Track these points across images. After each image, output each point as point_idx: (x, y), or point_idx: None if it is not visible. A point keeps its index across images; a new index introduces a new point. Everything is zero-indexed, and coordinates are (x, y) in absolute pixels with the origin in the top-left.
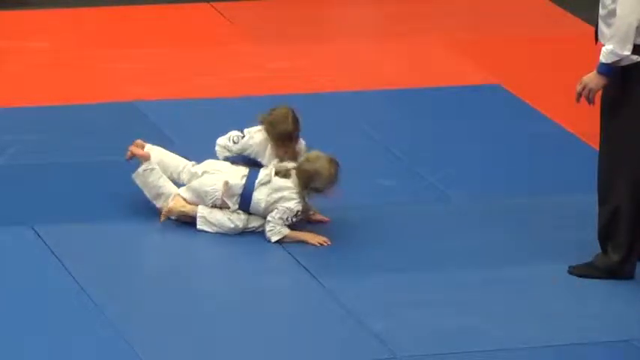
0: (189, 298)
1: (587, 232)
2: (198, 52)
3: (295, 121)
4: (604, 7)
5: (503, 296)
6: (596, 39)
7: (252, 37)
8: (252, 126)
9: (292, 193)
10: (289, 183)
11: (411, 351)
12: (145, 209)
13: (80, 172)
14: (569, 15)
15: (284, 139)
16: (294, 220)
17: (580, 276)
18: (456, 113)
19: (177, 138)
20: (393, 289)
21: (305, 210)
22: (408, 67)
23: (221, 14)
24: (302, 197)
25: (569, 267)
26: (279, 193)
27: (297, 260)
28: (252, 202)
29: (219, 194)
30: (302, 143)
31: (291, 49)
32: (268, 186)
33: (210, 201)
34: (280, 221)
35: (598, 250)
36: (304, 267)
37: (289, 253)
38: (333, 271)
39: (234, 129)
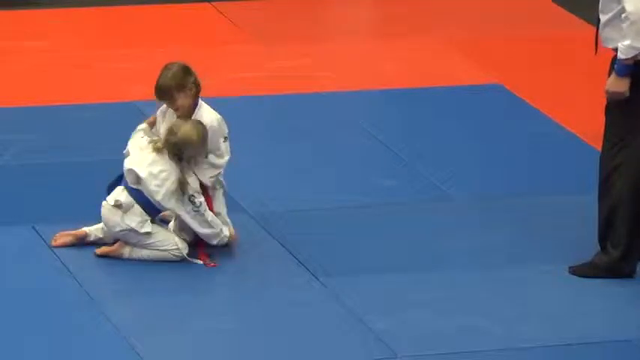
0: (189, 296)
1: (588, 232)
2: (198, 51)
3: (175, 74)
4: (608, 11)
5: (503, 296)
6: (596, 49)
7: (253, 37)
8: (247, 127)
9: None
10: (165, 159)
11: (411, 351)
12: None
13: (81, 172)
14: (570, 15)
15: (160, 96)
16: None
17: (580, 275)
18: (457, 113)
19: None
20: (393, 288)
21: (183, 182)
22: (408, 67)
23: (222, 14)
24: (180, 170)
25: (570, 267)
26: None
27: (298, 260)
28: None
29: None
30: (199, 105)
31: (292, 48)
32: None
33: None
34: (192, 209)
35: (598, 249)
36: (305, 266)
37: (290, 253)
38: (333, 270)
39: (236, 128)
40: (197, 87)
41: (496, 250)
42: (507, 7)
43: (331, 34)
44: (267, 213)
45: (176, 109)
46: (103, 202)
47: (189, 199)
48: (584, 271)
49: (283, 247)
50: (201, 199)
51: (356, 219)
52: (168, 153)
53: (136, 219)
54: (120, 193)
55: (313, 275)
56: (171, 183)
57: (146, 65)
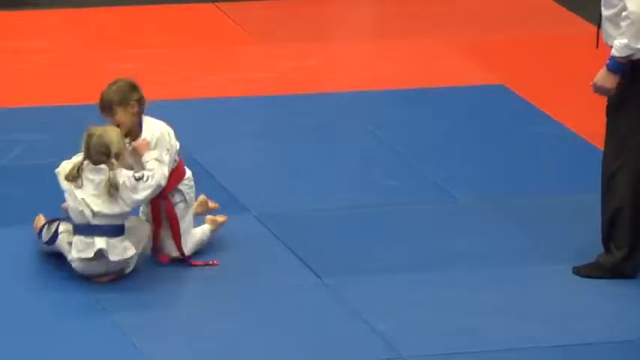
0: (191, 298)
1: (591, 232)
2: (202, 52)
3: (119, 89)
4: (610, 6)
5: (507, 296)
6: (597, 43)
7: (257, 37)
8: (250, 128)
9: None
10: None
11: (415, 351)
12: None
13: None
14: (571, 14)
15: (102, 109)
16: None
17: (584, 276)
18: (460, 113)
19: (182, 138)
20: (398, 288)
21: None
22: (411, 67)
23: (225, 14)
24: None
25: (573, 267)
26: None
27: (301, 260)
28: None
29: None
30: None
31: (296, 48)
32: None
33: None
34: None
35: (602, 250)
36: (309, 267)
37: (294, 253)
38: (337, 270)
39: (239, 129)
40: (140, 105)
41: (499, 250)
42: (509, 7)
43: (334, 34)
44: (270, 213)
45: (117, 125)
46: (73, 258)
47: (137, 180)
48: (588, 271)
49: (287, 247)
50: (143, 173)
51: (359, 219)
52: (92, 160)
53: (119, 252)
54: (87, 243)
55: (316, 275)
56: (103, 187)
57: (150, 65)
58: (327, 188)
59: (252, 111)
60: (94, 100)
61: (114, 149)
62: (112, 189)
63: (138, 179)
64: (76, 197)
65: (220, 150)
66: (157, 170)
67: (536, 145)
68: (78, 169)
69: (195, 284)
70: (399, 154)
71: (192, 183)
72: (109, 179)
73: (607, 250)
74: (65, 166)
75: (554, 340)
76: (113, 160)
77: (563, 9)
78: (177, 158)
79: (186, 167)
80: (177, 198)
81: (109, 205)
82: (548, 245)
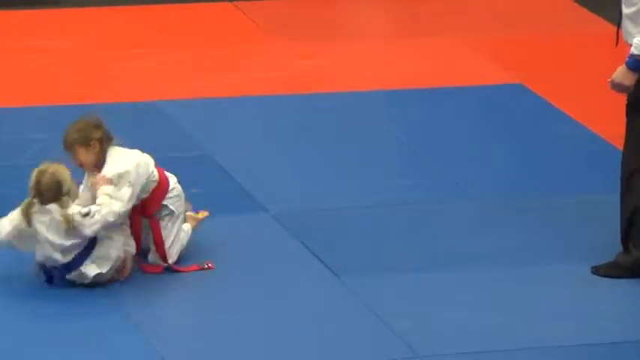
0: (208, 296)
1: (610, 232)
2: (219, 51)
3: (76, 129)
4: (631, 5)
5: (525, 296)
6: (617, 41)
7: (274, 36)
8: (267, 127)
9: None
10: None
11: (433, 350)
12: None
13: None
14: (591, 14)
15: (65, 148)
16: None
17: (603, 275)
18: (478, 113)
19: (199, 137)
20: (415, 287)
21: (67, 218)
22: (430, 67)
23: (243, 13)
24: (66, 206)
25: (592, 266)
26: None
27: (319, 259)
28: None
29: None
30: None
31: (313, 47)
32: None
33: None
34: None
35: (621, 249)
36: (326, 266)
37: (311, 252)
38: (355, 269)
39: (255, 127)
40: (102, 144)
41: (517, 249)
42: (528, 7)
43: (353, 32)
44: (287, 212)
45: (80, 165)
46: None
47: (83, 216)
48: (607, 270)
49: (304, 245)
50: (90, 208)
51: (376, 218)
52: (42, 198)
53: (95, 268)
54: (80, 275)
55: (334, 274)
56: (59, 225)
57: (168, 65)
58: (345, 187)
59: (267, 110)
60: (110, 100)
61: (65, 187)
62: (69, 224)
63: (84, 215)
64: (39, 241)
65: (237, 149)
66: (104, 206)
67: (555, 145)
68: (28, 211)
69: (212, 282)
70: (415, 153)
71: (178, 192)
72: (64, 217)
73: (626, 249)
74: (12, 217)
75: (573, 340)
76: (65, 197)
77: (582, 8)
78: (155, 178)
79: (168, 174)
80: (163, 212)
81: (67, 236)
82: (566, 245)
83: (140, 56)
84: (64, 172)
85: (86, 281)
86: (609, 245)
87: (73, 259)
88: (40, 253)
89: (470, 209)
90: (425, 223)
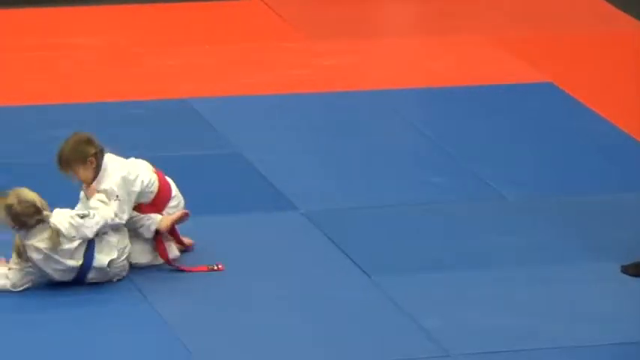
0: (238, 293)
1: None
2: (249, 48)
3: (71, 148)
4: None
5: (555, 295)
6: None
7: (303, 34)
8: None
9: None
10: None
11: (463, 349)
12: (198, 202)
13: None
14: (621, 13)
15: (60, 168)
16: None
17: (632, 275)
18: (508, 111)
19: (228, 135)
20: (445, 286)
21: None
22: (458, 65)
23: (272, 10)
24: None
25: (622, 265)
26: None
27: (349, 257)
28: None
29: None
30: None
31: (342, 45)
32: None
33: None
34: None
35: None
36: (357, 264)
37: (341, 250)
38: (385, 268)
39: (285, 126)
40: (97, 159)
41: (547, 248)
42: (558, 5)
43: (381, 30)
44: (318, 211)
45: (78, 180)
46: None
47: (82, 217)
48: (636, 270)
49: (334, 244)
50: (89, 211)
51: (406, 217)
52: (28, 225)
53: (105, 257)
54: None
55: (364, 273)
56: (48, 240)
57: (196, 62)
58: (374, 186)
59: (297, 107)
60: (140, 97)
61: (38, 202)
62: (57, 237)
63: (83, 217)
64: (47, 261)
65: (266, 146)
66: (101, 208)
67: (585, 143)
68: (20, 251)
69: (241, 279)
70: (446, 152)
71: (178, 200)
72: (52, 231)
73: None
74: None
75: (602, 339)
76: (46, 212)
77: (612, 7)
78: (153, 189)
79: (168, 179)
80: None
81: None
82: (596, 244)
83: (170, 53)
84: (25, 193)
85: (107, 276)
86: (639, 244)
87: (84, 260)
88: (55, 272)
89: (500, 208)
90: (455, 222)
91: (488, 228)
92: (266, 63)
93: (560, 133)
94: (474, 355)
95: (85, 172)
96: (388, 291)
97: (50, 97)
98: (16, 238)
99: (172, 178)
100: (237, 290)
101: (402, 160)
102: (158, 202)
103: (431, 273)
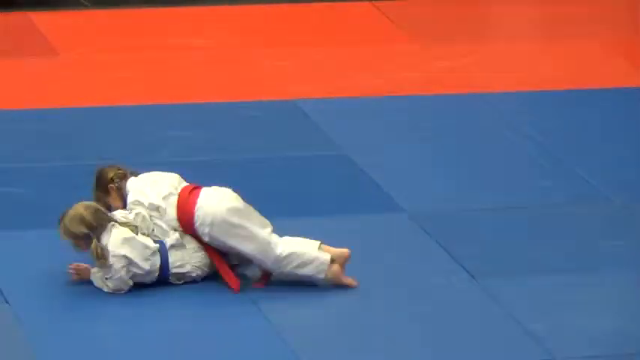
0: (340, 295)
1: None
2: (358, 50)
3: (100, 175)
4: None
5: None
6: None
7: (413, 37)
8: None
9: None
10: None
11: (569, 353)
12: (304, 204)
13: (237, 169)
14: None
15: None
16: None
17: None
18: (617, 114)
19: (336, 136)
20: (552, 290)
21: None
22: (569, 69)
23: (382, 13)
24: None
25: None
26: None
27: (455, 260)
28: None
29: None
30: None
31: (453, 48)
32: None
33: None
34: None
35: None
36: (463, 267)
37: (447, 253)
38: (492, 272)
39: (393, 128)
40: (115, 183)
41: None
42: None
43: (492, 33)
44: (424, 213)
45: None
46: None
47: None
48: None
49: (440, 246)
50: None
51: (513, 219)
52: (97, 234)
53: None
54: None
55: (470, 275)
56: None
57: (307, 64)
58: (482, 188)
59: (405, 110)
60: (249, 98)
61: (94, 204)
62: (102, 257)
63: (107, 278)
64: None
65: (374, 149)
66: (116, 266)
67: None
68: (98, 251)
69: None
70: (553, 155)
71: (202, 220)
72: (95, 248)
73: None
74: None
75: None
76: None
77: None
78: (171, 216)
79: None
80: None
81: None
82: None
83: (279, 55)
84: (80, 204)
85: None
86: None
87: (159, 266)
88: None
89: (607, 211)
90: (562, 225)
91: (596, 231)
92: (376, 65)
93: None
94: (580, 358)
95: (113, 199)
96: (494, 294)
97: (160, 97)
98: (93, 246)
99: (279, 180)
100: (344, 294)
101: (509, 163)
102: (184, 223)
103: (537, 276)
